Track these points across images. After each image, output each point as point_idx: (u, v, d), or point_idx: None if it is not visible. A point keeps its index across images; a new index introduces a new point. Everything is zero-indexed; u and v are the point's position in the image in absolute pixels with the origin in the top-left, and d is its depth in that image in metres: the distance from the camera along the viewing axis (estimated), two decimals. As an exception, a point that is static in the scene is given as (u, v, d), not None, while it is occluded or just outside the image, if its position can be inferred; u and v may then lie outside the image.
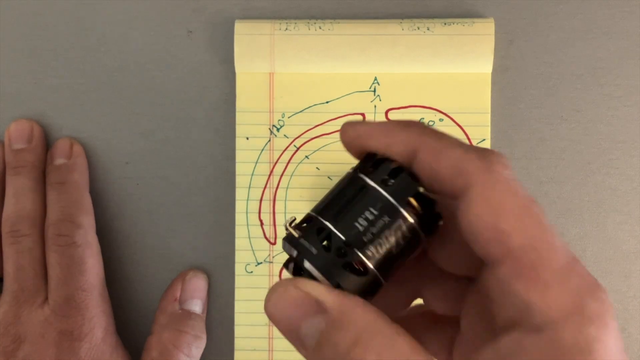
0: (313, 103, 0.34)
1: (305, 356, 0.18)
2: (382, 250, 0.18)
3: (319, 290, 0.17)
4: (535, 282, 0.16)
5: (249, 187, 0.34)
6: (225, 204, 0.34)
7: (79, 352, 0.30)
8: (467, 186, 0.17)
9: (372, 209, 0.18)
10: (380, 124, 0.19)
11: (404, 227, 0.18)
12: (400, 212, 0.18)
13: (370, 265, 0.18)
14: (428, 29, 0.33)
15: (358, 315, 0.17)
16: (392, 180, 0.18)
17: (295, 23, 0.33)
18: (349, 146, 0.20)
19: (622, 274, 0.34)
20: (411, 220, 0.18)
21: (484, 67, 0.33)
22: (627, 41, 0.34)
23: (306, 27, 0.33)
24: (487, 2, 0.34)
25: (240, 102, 0.34)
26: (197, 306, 0.33)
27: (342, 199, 0.19)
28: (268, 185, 0.34)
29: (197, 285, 0.34)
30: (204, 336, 0.33)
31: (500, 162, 0.17)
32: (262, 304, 0.33)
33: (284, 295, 0.18)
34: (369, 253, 0.18)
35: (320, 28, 0.33)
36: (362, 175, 0.19)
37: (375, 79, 0.33)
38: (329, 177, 0.34)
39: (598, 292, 0.16)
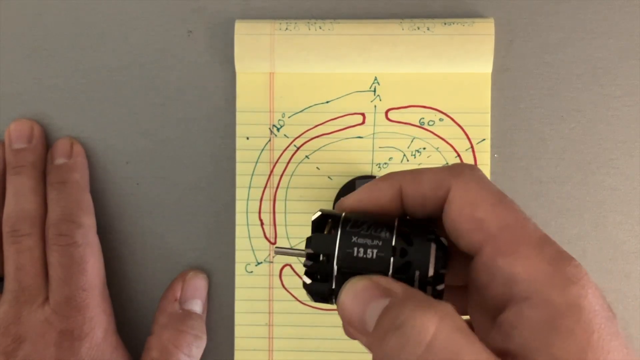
0: (313, 103, 0.34)
1: (366, 343, 0.19)
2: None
3: (388, 281, 0.19)
4: (515, 255, 0.18)
5: (249, 187, 0.34)
6: (225, 204, 0.34)
7: (79, 351, 0.30)
8: (446, 193, 0.20)
9: None
10: (364, 188, 0.22)
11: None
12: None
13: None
14: (428, 29, 0.33)
15: (421, 296, 0.19)
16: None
17: (296, 23, 0.33)
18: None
19: (622, 274, 0.34)
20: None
21: (484, 67, 0.33)
22: (627, 41, 0.34)
23: (306, 27, 0.33)
24: (487, 2, 0.34)
25: (241, 102, 0.34)
26: (197, 306, 0.33)
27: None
28: (268, 185, 0.34)
29: (198, 285, 0.34)
30: (204, 336, 0.33)
31: (469, 167, 0.21)
32: (262, 303, 0.34)
33: (356, 283, 0.20)
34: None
35: (320, 28, 0.33)
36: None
37: (376, 78, 0.33)
38: (329, 177, 0.34)
39: (571, 260, 0.18)
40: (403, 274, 0.20)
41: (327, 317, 0.34)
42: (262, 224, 0.34)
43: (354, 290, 0.19)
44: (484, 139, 0.33)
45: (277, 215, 0.34)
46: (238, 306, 0.34)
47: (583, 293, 0.18)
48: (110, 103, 0.35)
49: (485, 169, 0.34)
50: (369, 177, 0.33)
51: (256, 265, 0.34)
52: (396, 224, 0.21)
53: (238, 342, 0.34)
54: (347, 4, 0.34)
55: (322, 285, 0.21)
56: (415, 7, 0.34)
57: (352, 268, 0.20)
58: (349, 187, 0.33)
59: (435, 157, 0.34)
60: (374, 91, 0.34)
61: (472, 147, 0.33)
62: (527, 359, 0.17)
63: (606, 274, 0.34)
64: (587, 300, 0.17)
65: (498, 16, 0.34)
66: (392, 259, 0.20)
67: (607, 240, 0.34)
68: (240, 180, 0.34)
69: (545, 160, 0.34)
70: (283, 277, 0.34)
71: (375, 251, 0.20)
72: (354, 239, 0.20)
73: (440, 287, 0.20)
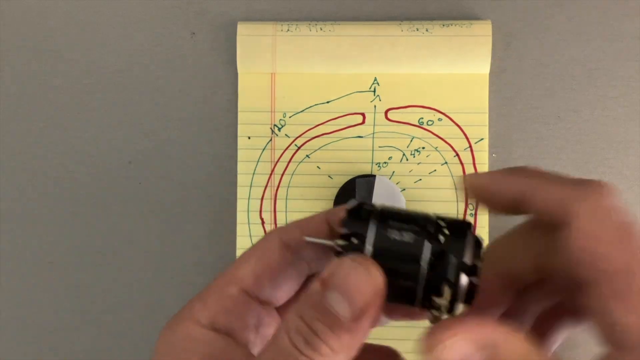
0: (314, 103, 0.34)
1: None
2: None
3: (491, 337, 0.18)
4: (629, 304, 0.17)
5: (251, 186, 0.34)
6: (226, 203, 0.35)
7: None
8: (566, 217, 0.18)
9: None
10: (488, 175, 0.21)
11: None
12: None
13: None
14: (427, 30, 0.33)
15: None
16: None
17: (297, 24, 0.34)
18: (471, 193, 0.22)
19: (620, 272, 0.34)
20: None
21: (482, 67, 0.33)
22: (622, 43, 0.34)
23: (307, 29, 0.34)
24: (484, 5, 0.35)
25: (242, 102, 0.34)
26: None
27: None
28: (269, 184, 0.34)
29: None
30: None
31: (597, 190, 0.18)
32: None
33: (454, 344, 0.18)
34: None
35: (321, 29, 0.33)
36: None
37: (375, 79, 0.34)
38: (329, 176, 0.34)
39: None
40: (438, 259, 0.19)
41: (328, 316, 0.34)
42: (263, 222, 0.34)
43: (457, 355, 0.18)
44: (482, 139, 0.34)
45: (277, 214, 0.34)
46: (239, 304, 0.34)
47: None
48: (113, 103, 0.35)
49: (484, 168, 0.34)
50: (369, 177, 0.33)
51: (257, 264, 0.34)
52: (434, 217, 0.20)
53: (239, 340, 0.34)
54: (348, 6, 0.35)
55: None
56: (414, 9, 0.35)
57: (386, 250, 0.19)
58: (349, 186, 0.33)
59: (434, 156, 0.34)
60: (374, 91, 0.34)
61: (470, 146, 0.34)
62: None
63: (604, 272, 0.34)
64: None
65: (495, 18, 0.34)
66: (428, 244, 0.19)
67: (604, 239, 0.34)
68: (242, 179, 0.34)
69: (543, 160, 0.34)
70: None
71: (410, 234, 0.19)
72: (390, 221, 0.20)
73: (475, 279, 0.19)
